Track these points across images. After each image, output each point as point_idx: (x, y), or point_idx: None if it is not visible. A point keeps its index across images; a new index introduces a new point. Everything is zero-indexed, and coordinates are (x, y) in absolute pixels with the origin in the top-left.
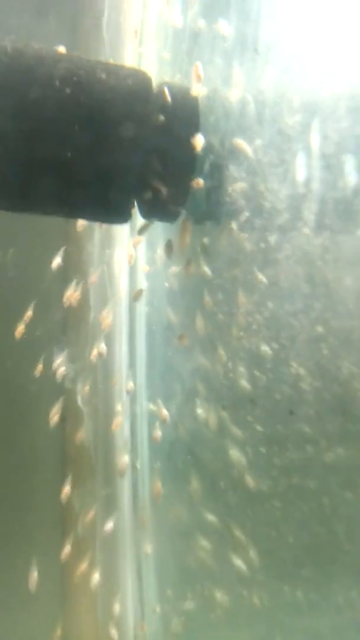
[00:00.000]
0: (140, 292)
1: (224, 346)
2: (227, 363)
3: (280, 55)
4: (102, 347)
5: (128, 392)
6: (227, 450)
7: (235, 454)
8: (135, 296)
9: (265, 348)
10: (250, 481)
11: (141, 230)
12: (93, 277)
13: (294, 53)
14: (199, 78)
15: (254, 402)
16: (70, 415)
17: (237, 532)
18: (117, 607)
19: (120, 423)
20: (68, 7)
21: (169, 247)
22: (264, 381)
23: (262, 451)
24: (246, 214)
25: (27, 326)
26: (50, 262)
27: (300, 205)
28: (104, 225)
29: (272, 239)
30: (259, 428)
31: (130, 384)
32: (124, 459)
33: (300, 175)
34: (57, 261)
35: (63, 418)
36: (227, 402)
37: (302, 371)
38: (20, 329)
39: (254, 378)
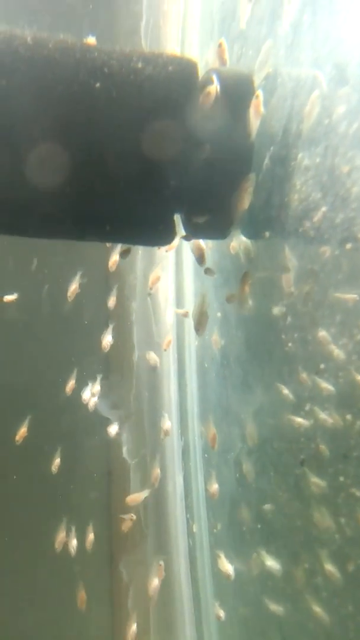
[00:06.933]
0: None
1: (298, 382)
2: (304, 404)
3: None
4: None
5: (166, 432)
6: (311, 519)
7: (324, 524)
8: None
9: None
10: (350, 565)
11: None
12: (111, 300)
13: None
14: (223, 58)
15: (347, 456)
16: (115, 469)
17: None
18: None
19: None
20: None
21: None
22: None
23: None
24: (323, 210)
25: (65, 366)
26: (93, 299)
27: None
28: (147, 253)
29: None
30: (357, 493)
31: (168, 423)
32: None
33: None
34: (73, 287)
35: (108, 472)
36: (306, 455)
37: None
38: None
39: (345, 423)
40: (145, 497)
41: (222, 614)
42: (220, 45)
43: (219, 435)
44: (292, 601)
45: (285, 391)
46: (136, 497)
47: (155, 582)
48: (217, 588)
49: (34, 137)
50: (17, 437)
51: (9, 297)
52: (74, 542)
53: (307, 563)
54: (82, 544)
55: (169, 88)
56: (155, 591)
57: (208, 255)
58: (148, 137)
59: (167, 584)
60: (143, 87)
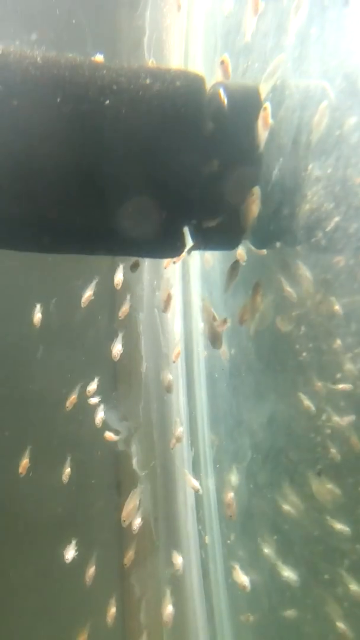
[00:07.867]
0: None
1: (313, 392)
2: (321, 414)
3: None
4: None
5: (177, 439)
6: (329, 530)
7: (343, 535)
8: None
9: None
10: None
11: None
12: (124, 309)
13: None
14: (227, 73)
15: None
16: (125, 481)
17: None
18: None
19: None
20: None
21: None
22: None
23: None
24: (336, 219)
25: (73, 377)
26: (97, 312)
27: None
28: (153, 264)
29: None
30: None
31: (180, 430)
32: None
33: None
34: (88, 294)
35: (117, 484)
36: (323, 466)
37: None
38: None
39: None
40: (156, 510)
41: (250, 618)
42: (223, 62)
43: (230, 444)
44: (312, 613)
45: (301, 401)
46: (129, 509)
47: (169, 609)
48: (231, 601)
49: (45, 155)
50: (20, 470)
51: (38, 316)
52: (92, 569)
53: (326, 574)
54: (92, 556)
55: (177, 103)
56: (169, 617)
57: (215, 266)
58: (158, 152)
59: (179, 597)
60: (152, 103)
